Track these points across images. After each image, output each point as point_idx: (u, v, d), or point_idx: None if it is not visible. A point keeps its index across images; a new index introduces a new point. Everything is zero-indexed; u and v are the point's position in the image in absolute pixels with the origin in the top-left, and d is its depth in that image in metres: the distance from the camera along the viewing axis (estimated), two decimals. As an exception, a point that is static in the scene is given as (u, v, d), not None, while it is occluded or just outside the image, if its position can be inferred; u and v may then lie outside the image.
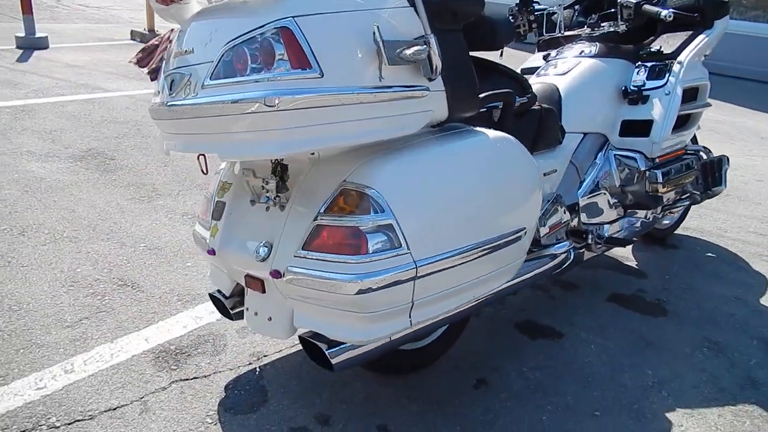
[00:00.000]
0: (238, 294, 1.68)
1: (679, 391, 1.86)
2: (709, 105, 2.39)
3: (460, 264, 1.37)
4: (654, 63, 2.22)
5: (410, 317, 1.34)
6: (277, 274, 1.35)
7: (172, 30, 1.61)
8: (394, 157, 1.32)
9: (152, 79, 1.61)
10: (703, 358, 2.05)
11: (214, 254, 1.58)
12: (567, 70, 2.21)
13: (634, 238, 2.35)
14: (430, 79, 1.33)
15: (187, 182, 3.19)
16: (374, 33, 1.21)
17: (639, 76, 2.21)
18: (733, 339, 2.17)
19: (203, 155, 1.68)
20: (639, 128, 2.19)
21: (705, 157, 2.44)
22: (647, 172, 2.18)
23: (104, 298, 2.10)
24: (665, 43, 2.28)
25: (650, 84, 2.19)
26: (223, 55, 1.20)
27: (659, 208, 2.34)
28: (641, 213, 2.32)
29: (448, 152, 1.40)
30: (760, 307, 2.43)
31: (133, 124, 4.07)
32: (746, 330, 2.24)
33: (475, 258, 1.40)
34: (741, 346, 2.14)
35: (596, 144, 2.21)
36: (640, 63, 2.25)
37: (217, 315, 2.06)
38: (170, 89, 1.32)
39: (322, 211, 1.31)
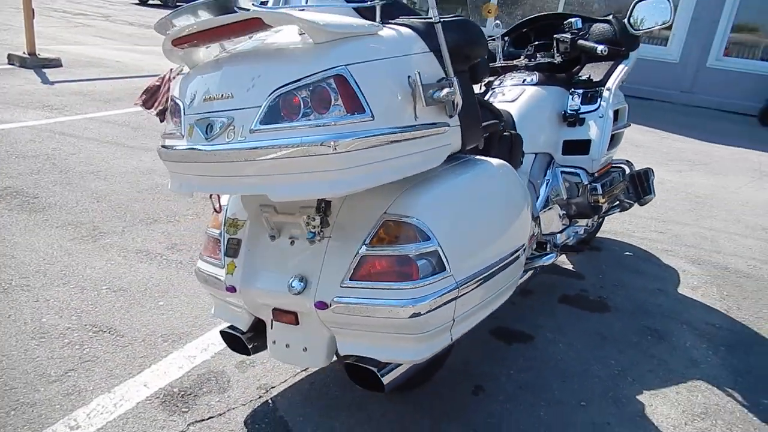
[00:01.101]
0: (255, 329, 1.70)
1: (640, 375, 2.15)
2: (629, 125, 2.76)
3: (486, 280, 1.51)
4: (585, 90, 2.53)
5: (451, 334, 1.46)
6: (322, 305, 1.41)
7: (171, 69, 1.62)
8: (428, 188, 1.44)
9: (161, 120, 1.60)
10: (649, 345, 2.36)
11: (235, 291, 1.60)
12: (515, 97, 2.46)
13: (581, 244, 2.65)
14: (450, 116, 1.47)
15: (129, 218, 3.06)
16: (416, 77, 1.33)
17: (574, 101, 2.51)
18: (667, 326, 2.52)
19: (217, 195, 1.70)
20: (578, 147, 2.48)
21: (628, 169, 2.80)
22: (589, 185, 2.48)
23: (84, 348, 1.99)
24: (592, 72, 2.61)
25: (584, 108, 2.49)
26: (272, 101, 1.26)
27: (596, 216, 2.66)
28: (583, 222, 2.62)
29: (470, 180, 1.55)
30: (678, 296, 2.83)
31: (45, 158, 3.79)
32: (674, 317, 2.61)
33: (496, 273, 1.56)
34: (675, 331, 2.49)
35: (544, 162, 2.47)
36: (573, 90, 2.56)
37: (210, 352, 2.04)
38: (206, 133, 1.34)
39: (366, 242, 1.39)
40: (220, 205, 1.67)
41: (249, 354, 1.71)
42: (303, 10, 1.44)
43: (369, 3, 1.51)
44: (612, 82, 2.52)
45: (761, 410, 2.01)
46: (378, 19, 1.47)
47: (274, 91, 1.26)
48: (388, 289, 1.35)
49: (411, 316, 1.34)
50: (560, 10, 9.95)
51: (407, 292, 1.34)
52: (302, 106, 1.25)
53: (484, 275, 1.50)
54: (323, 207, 1.41)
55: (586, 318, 2.54)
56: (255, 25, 1.26)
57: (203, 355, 2.02)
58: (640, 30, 2.54)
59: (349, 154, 1.23)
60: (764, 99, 8.57)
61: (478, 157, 1.68)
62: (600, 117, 2.46)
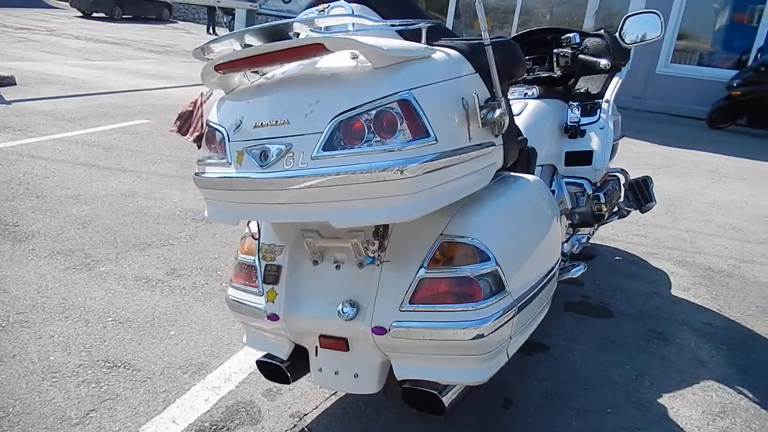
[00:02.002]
0: (293, 356, 1.66)
1: (656, 378, 2.21)
2: (624, 135, 2.85)
3: (536, 295, 1.53)
4: (584, 102, 2.60)
5: (507, 352, 1.47)
6: (381, 330, 1.40)
7: (201, 94, 1.58)
8: (480, 207, 1.45)
9: (198, 147, 1.55)
10: (657, 348, 2.44)
11: (278, 319, 1.56)
12: (520, 111, 2.50)
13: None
14: (496, 135, 1.49)
15: (120, 243, 2.94)
16: (474, 99, 1.34)
17: (574, 114, 2.58)
18: (670, 328, 2.61)
19: (256, 222, 1.66)
20: (581, 158, 2.55)
21: (623, 177, 2.90)
22: (592, 195, 2.54)
23: (101, 385, 1.90)
24: (588, 85, 2.69)
25: (585, 120, 2.56)
26: (334, 126, 1.25)
27: (597, 224, 2.73)
28: (585, 230, 2.69)
29: (514, 197, 1.57)
30: (673, 298, 2.93)
31: (17, 183, 3.61)
32: (674, 319, 2.70)
33: (543, 287, 1.58)
34: (677, 332, 2.58)
35: (549, 174, 2.52)
36: (571, 102, 2.62)
37: (234, 382, 1.98)
38: (261, 160, 1.31)
39: (425, 265, 1.39)
40: (259, 232, 1.63)
41: (288, 382, 1.67)
42: (350, 33, 1.43)
43: (414, 26, 1.52)
44: (609, 95, 2.61)
45: (772, 406, 2.10)
46: (424, 41, 1.48)
47: (336, 116, 1.25)
48: (451, 311, 1.35)
49: (474, 338, 1.34)
50: (546, 24, 10.18)
51: (470, 313, 1.34)
52: (366, 132, 1.24)
53: (534, 290, 1.52)
54: (381, 231, 1.39)
55: (593, 324, 2.60)
56: (317, 50, 1.24)
57: (227, 385, 1.96)
58: (631, 44, 2.64)
59: (417, 178, 1.22)
60: (710, 103, 9.01)
61: (511, 173, 1.70)
62: (601, 128, 2.53)
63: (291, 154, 1.28)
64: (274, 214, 1.36)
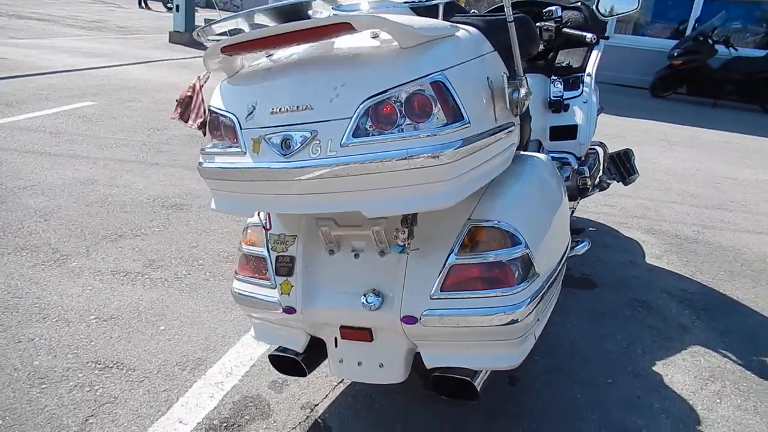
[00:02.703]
0: (307, 348, 1.60)
1: (646, 347, 2.28)
2: (603, 108, 2.89)
3: (558, 276, 1.53)
4: (566, 76, 2.61)
5: (534, 334, 1.47)
6: (411, 319, 1.36)
7: (198, 77, 1.48)
8: (504, 190, 1.42)
9: (204, 134, 1.45)
10: (642, 317, 2.52)
11: (294, 312, 1.50)
12: None
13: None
14: (516, 115, 1.46)
15: (88, 235, 2.77)
16: (503, 79, 1.30)
17: (557, 88, 2.58)
18: (651, 296, 2.70)
19: (267, 213, 1.58)
20: (565, 132, 2.57)
21: (602, 150, 2.94)
22: (577, 169, 2.57)
23: (95, 389, 1.79)
24: (569, 59, 2.69)
25: (567, 94, 2.57)
26: (363, 111, 1.18)
27: (580, 198, 2.77)
28: (571, 204, 2.72)
29: (533, 177, 1.55)
30: (648, 266, 3.04)
31: (-39, 174, 3.33)
32: (653, 287, 2.80)
33: (560, 269, 1.58)
34: (658, 300, 2.67)
35: (535, 149, 2.53)
36: (553, 77, 2.63)
37: (236, 376, 1.91)
38: (283, 148, 1.23)
39: (455, 251, 1.35)
40: (270, 222, 1.55)
41: (304, 375, 1.62)
42: (369, 11, 1.35)
43: (430, 2, 1.45)
44: (591, 68, 2.62)
45: (754, 366, 2.21)
46: (440, 18, 1.42)
47: (365, 100, 1.18)
48: (484, 297, 1.32)
49: (509, 323, 1.32)
50: None
51: (504, 299, 1.32)
52: (397, 116, 1.18)
53: (556, 271, 1.52)
54: (410, 219, 1.34)
55: (580, 296, 2.65)
56: (342, 29, 1.17)
57: (230, 379, 1.89)
58: (608, 16, 2.65)
59: (454, 164, 1.18)
60: (653, 73, 9.31)
61: (522, 153, 1.68)
62: (584, 102, 2.55)
63: (317, 142, 1.21)
64: (297, 204, 1.29)
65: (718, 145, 6.17)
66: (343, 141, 1.19)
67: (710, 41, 8.35)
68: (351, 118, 1.19)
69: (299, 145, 1.22)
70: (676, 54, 8.75)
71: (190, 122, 1.42)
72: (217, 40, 1.37)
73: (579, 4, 2.68)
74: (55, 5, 15.21)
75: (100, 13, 14.87)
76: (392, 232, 1.38)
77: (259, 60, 1.42)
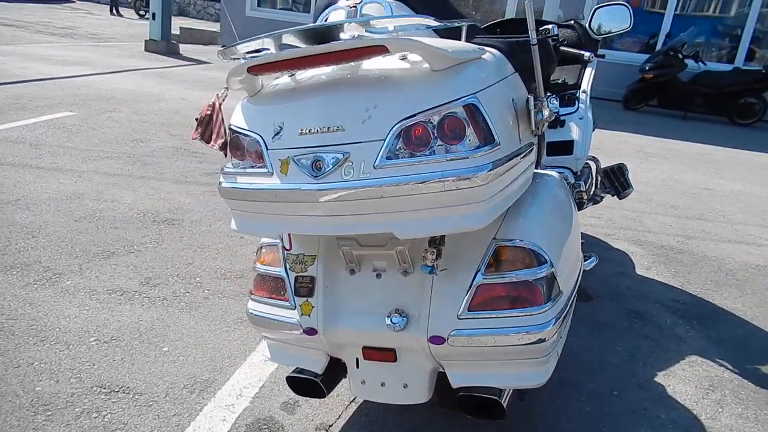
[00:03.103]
0: (328, 369, 1.59)
1: (646, 358, 2.33)
2: (597, 124, 2.95)
3: (576, 294, 1.55)
4: (561, 93, 2.66)
5: (557, 351, 1.48)
6: (438, 339, 1.36)
7: (217, 95, 1.47)
8: (527, 209, 1.44)
9: (225, 155, 1.43)
10: (639, 328, 2.57)
11: (315, 333, 1.49)
12: None
13: None
14: (535, 135, 1.48)
15: (79, 253, 2.70)
16: (530, 100, 1.32)
17: (553, 104, 2.63)
18: (645, 307, 2.76)
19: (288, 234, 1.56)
20: (561, 148, 2.61)
21: (594, 165, 3.00)
22: (573, 183, 2.62)
23: (103, 414, 1.74)
24: (564, 76, 2.74)
25: (564, 110, 2.62)
26: (396, 133, 1.19)
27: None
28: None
29: (550, 196, 1.58)
30: (639, 277, 3.10)
31: (-60, 189, 3.21)
32: (646, 297, 2.86)
33: (578, 284, 1.60)
34: (652, 311, 2.73)
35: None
36: (548, 93, 2.67)
37: (247, 398, 1.88)
38: (315, 170, 1.23)
39: (482, 270, 1.36)
40: (290, 243, 1.54)
41: (324, 396, 1.60)
42: (395, 33, 1.35)
43: (453, 25, 1.46)
44: (586, 85, 2.68)
45: (750, 374, 2.28)
46: (463, 40, 1.44)
47: (398, 122, 1.19)
48: (512, 317, 1.33)
49: (536, 342, 1.33)
50: (512, 15, 10.24)
51: (532, 318, 1.33)
52: (430, 138, 1.19)
53: (576, 288, 1.54)
54: (438, 239, 1.34)
55: (577, 308, 2.67)
56: (378, 51, 1.17)
57: (241, 401, 1.86)
58: (600, 35, 2.71)
59: (486, 185, 1.19)
60: (624, 86, 9.55)
61: (535, 171, 1.70)
62: (580, 119, 2.60)
63: (350, 163, 1.21)
64: (326, 226, 1.28)
65: (691, 157, 6.35)
66: (376, 163, 1.19)
67: (680, 55, 8.60)
68: (384, 140, 1.19)
69: (331, 166, 1.22)
70: (647, 68, 8.98)
71: (212, 143, 1.40)
72: (238, 59, 1.36)
73: (572, 22, 2.73)
74: (23, 10, 14.86)
75: (70, 19, 14.57)
76: (417, 252, 1.39)
77: (279, 79, 1.41)
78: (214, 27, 11.20)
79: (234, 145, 1.40)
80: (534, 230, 1.41)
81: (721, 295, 2.96)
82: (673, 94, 8.87)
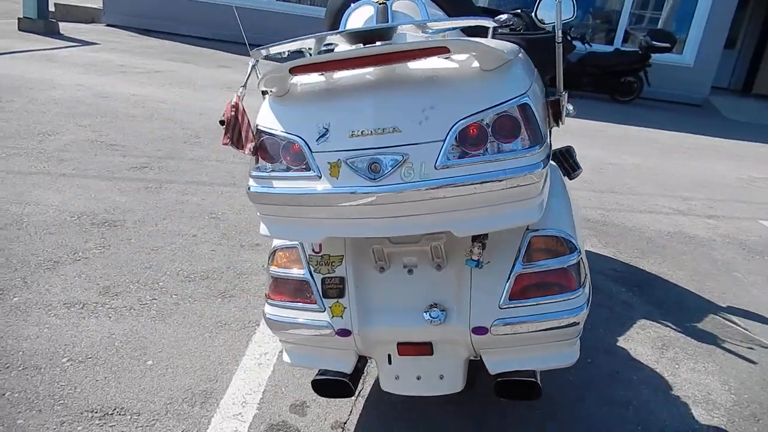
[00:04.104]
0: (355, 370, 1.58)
1: (605, 325, 2.55)
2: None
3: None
4: None
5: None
6: (482, 330, 1.41)
7: (237, 96, 1.39)
8: (550, 199, 1.51)
9: (257, 161, 1.36)
10: (592, 297, 2.78)
11: (349, 335, 1.48)
12: None
13: None
14: (550, 130, 1.56)
15: (18, 264, 2.42)
16: (564, 98, 1.39)
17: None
18: (591, 277, 2.98)
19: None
20: None
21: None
22: None
23: (104, 440, 1.61)
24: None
25: None
26: (455, 133, 1.20)
27: None
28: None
29: (561, 184, 1.66)
30: (578, 250, 3.34)
31: None
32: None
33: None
34: (598, 280, 2.96)
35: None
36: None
37: (252, 405, 1.84)
38: (372, 172, 1.21)
39: (521, 260, 1.42)
40: (320, 245, 1.50)
41: (352, 395, 1.60)
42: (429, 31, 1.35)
43: (483, 23, 1.48)
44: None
45: (691, 331, 2.56)
46: (490, 38, 1.47)
47: (457, 123, 1.20)
48: (551, 302, 1.41)
49: (571, 325, 1.42)
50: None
51: (568, 302, 1.42)
52: (487, 138, 1.22)
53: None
54: (482, 235, 1.38)
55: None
56: (439, 52, 1.17)
57: (248, 409, 1.80)
58: (545, 24, 2.84)
59: (540, 182, 1.25)
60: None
61: None
62: None
63: (409, 165, 1.21)
64: (381, 228, 1.28)
65: (590, 134, 6.86)
66: (437, 163, 1.20)
67: (569, 38, 9.19)
68: (443, 140, 1.21)
69: (390, 168, 1.21)
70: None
71: (245, 149, 1.33)
72: (271, 58, 1.30)
73: (519, 11, 2.84)
74: None
75: None
76: (451, 246, 1.42)
77: (308, 79, 1.36)
78: (94, 3, 10.26)
79: (266, 147, 1.34)
80: (561, 219, 1.49)
81: (648, 262, 3.28)
82: (564, 75, 9.48)
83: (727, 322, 2.67)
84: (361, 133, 1.23)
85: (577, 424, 1.90)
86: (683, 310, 2.76)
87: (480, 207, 1.24)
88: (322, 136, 1.26)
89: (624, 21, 9.76)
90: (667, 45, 8.98)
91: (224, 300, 2.37)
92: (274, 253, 1.59)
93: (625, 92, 9.56)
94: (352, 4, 1.58)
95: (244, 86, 1.43)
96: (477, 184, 1.20)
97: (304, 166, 1.29)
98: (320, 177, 1.26)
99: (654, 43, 8.93)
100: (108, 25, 9.80)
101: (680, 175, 5.30)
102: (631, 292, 2.89)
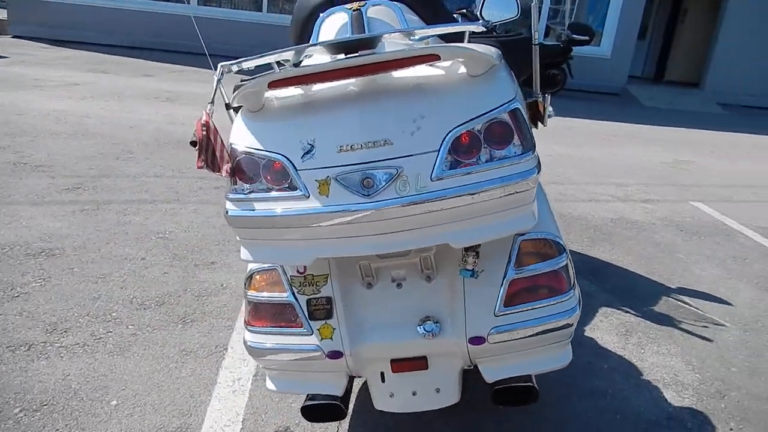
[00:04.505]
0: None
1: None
2: None
3: None
4: None
5: (568, 332, 1.59)
6: (479, 340, 1.38)
7: (206, 112, 1.30)
8: (538, 205, 1.50)
9: (234, 182, 1.27)
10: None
11: (341, 356, 1.42)
12: None
13: None
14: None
15: (-55, 307, 2.18)
16: (546, 100, 1.38)
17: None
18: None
19: None
20: None
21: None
22: None
23: (76, 496, 1.47)
24: None
25: None
26: (449, 143, 1.17)
27: None
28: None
29: (540, 186, 1.66)
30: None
31: None
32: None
33: None
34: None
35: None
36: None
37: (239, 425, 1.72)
38: (365, 188, 1.16)
39: (513, 267, 1.40)
40: (304, 267, 1.42)
41: (342, 418, 1.54)
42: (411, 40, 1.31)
43: (459, 29, 1.45)
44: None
45: (648, 315, 2.66)
46: (466, 42, 1.44)
47: (451, 131, 1.17)
48: (545, 306, 1.40)
49: (565, 327, 1.42)
50: None
51: (562, 305, 1.41)
52: (480, 146, 1.19)
53: None
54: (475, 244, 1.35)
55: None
56: (429, 60, 1.13)
57: (231, 440, 1.70)
58: (492, 22, 2.83)
59: (535, 187, 1.23)
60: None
61: None
62: None
63: (404, 178, 1.17)
64: (375, 245, 1.23)
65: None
66: (433, 175, 1.17)
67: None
68: (438, 150, 1.17)
69: (384, 183, 1.16)
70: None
71: (223, 172, 1.23)
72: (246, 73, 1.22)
73: (465, 11, 2.84)
74: None
75: None
76: (441, 257, 1.39)
77: (283, 93, 1.28)
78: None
79: (242, 167, 1.26)
80: (547, 221, 1.48)
81: (599, 250, 3.39)
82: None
83: (679, 303, 2.80)
84: (350, 147, 1.17)
85: (568, 422, 1.91)
86: (638, 295, 2.86)
87: (476, 217, 1.21)
88: (308, 152, 1.20)
89: (544, 16, 10.09)
90: (587, 38, 9.37)
91: (185, 326, 2.24)
92: (251, 276, 1.50)
93: (550, 84, 9.90)
94: (322, 13, 1.51)
95: (212, 102, 1.33)
96: (475, 194, 1.17)
97: (287, 186, 1.22)
98: (308, 196, 1.19)
99: (575, 36, 9.29)
100: (15, 37, 9.13)
101: (611, 162, 5.53)
102: (588, 280, 2.97)
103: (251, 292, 1.49)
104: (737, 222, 4.12)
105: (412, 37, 1.31)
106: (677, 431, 1.90)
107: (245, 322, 1.51)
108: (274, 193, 1.23)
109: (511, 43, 1.53)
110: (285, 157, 1.21)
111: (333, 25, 1.53)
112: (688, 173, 5.45)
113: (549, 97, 1.52)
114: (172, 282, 2.53)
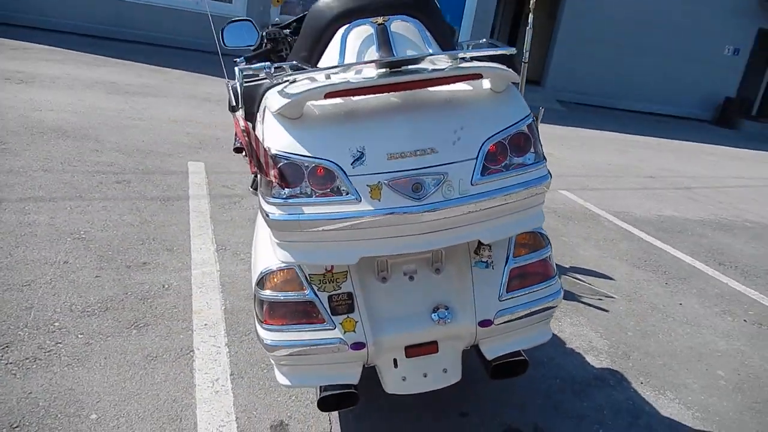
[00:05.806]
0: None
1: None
2: None
3: None
4: None
5: (539, 311, 1.83)
6: (487, 322, 1.57)
7: (241, 117, 1.34)
8: None
9: (269, 184, 1.31)
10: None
11: (364, 347, 1.52)
12: None
13: None
14: None
15: None
16: (540, 110, 1.58)
17: None
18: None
19: None
20: None
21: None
22: None
23: None
24: None
25: None
26: (484, 151, 1.34)
27: None
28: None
29: None
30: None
31: None
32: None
33: None
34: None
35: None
36: None
37: (234, 424, 1.74)
38: (415, 192, 1.29)
39: (512, 255, 1.60)
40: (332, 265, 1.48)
41: (356, 404, 1.63)
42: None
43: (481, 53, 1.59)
44: None
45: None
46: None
47: (486, 141, 1.33)
48: (538, 290, 1.62)
49: (552, 307, 1.66)
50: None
51: (550, 288, 1.65)
52: (507, 153, 1.37)
53: None
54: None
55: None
56: (473, 78, 1.28)
57: (231, 441, 1.71)
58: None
59: (546, 191, 1.44)
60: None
61: None
62: None
63: (449, 183, 1.31)
64: (421, 243, 1.36)
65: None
66: (473, 180, 1.32)
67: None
68: (476, 158, 1.33)
69: (433, 188, 1.29)
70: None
71: (271, 176, 1.24)
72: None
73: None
74: None
75: None
76: (451, 249, 1.55)
77: (327, 102, 1.35)
78: None
79: (285, 172, 1.30)
80: (541, 219, 1.70)
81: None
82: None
83: (575, 280, 3.24)
84: (401, 155, 1.29)
85: (521, 388, 2.18)
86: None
87: (503, 216, 1.40)
88: (357, 159, 1.28)
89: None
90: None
91: (140, 331, 2.14)
92: (263, 277, 1.53)
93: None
94: (347, 24, 1.57)
95: (239, 106, 1.35)
96: (508, 195, 1.35)
97: (331, 190, 1.30)
98: (359, 200, 1.28)
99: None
100: None
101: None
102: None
103: (267, 292, 1.52)
104: (597, 207, 4.79)
105: (458, 59, 1.45)
106: (605, 389, 2.26)
107: (261, 321, 1.53)
108: (323, 198, 1.30)
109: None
110: (335, 163, 1.28)
111: (358, 37, 1.59)
112: (554, 165, 6.14)
113: (542, 110, 1.75)
114: (109, 286, 2.38)
